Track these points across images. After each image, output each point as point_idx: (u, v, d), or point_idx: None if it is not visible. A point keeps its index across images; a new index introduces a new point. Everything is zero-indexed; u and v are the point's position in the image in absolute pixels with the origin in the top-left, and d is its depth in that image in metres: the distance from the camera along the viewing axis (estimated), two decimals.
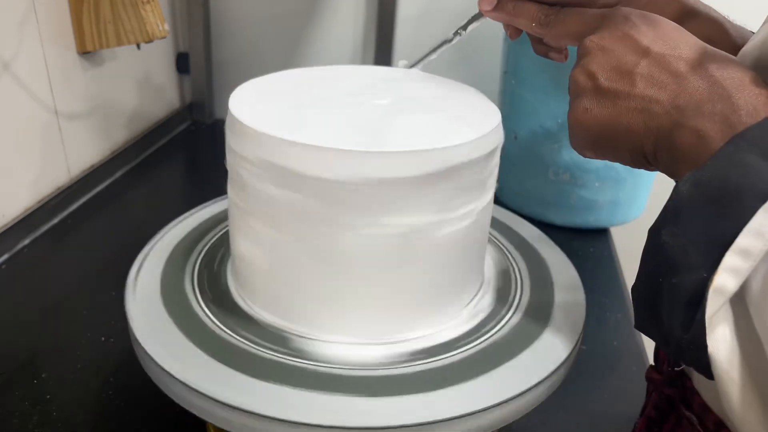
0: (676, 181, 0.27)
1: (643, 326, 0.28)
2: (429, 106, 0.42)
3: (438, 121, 0.39)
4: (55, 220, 0.71)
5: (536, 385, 0.36)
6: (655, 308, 0.27)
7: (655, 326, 0.27)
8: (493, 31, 0.94)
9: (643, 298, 0.28)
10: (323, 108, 0.40)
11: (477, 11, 0.41)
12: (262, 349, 0.38)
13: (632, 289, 0.28)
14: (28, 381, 0.48)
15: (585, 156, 0.33)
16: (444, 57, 1.04)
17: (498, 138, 0.39)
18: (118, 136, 0.86)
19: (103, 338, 0.53)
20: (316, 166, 0.35)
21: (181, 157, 0.95)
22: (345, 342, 0.39)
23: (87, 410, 0.46)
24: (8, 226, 0.64)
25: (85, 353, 0.51)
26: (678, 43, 0.30)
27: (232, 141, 0.38)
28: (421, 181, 0.35)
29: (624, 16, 0.31)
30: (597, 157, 0.33)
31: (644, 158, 0.30)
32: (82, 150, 0.77)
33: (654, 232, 0.27)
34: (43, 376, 0.49)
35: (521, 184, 0.76)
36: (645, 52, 0.30)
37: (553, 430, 0.48)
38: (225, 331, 0.39)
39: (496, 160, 0.40)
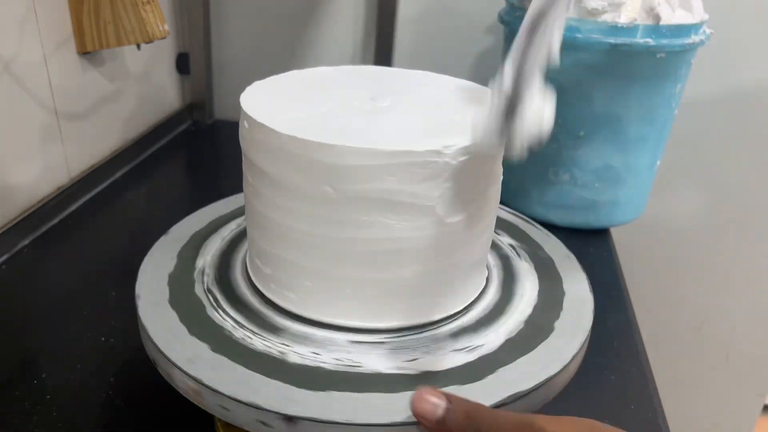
0: None
1: None
2: (440, 103, 0.42)
3: (453, 117, 0.40)
4: (55, 220, 0.71)
5: (537, 389, 0.36)
6: None
7: None
8: (493, 31, 0.94)
9: None
10: (338, 108, 0.40)
11: None
12: (277, 344, 0.38)
13: None
14: (28, 381, 0.48)
15: None
16: (444, 57, 1.04)
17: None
18: (118, 136, 0.86)
19: (103, 338, 0.53)
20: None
21: (181, 157, 0.95)
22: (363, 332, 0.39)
23: (87, 410, 0.46)
24: (8, 226, 0.64)
25: (85, 353, 0.51)
26: None
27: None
28: (439, 175, 0.36)
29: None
30: None
31: None
32: (82, 150, 0.77)
33: None
34: (43, 376, 0.49)
35: (521, 184, 0.76)
36: None
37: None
38: (240, 328, 0.39)
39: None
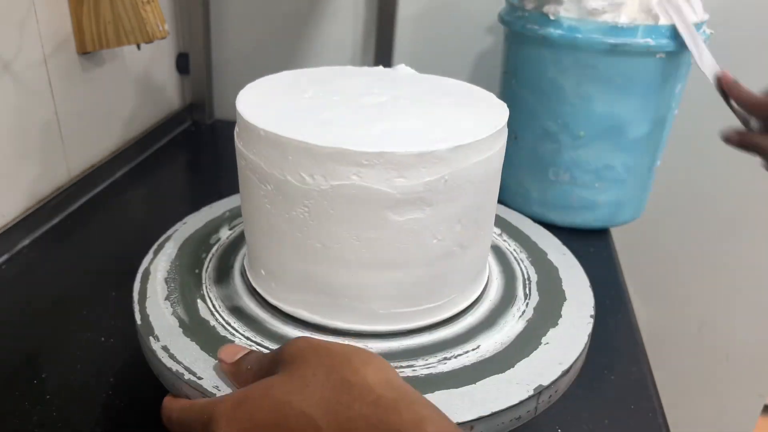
0: None
1: None
2: (440, 104, 0.42)
3: (450, 118, 0.40)
4: (55, 220, 0.71)
5: (541, 392, 0.36)
6: None
7: None
8: (493, 31, 0.94)
9: None
10: (336, 108, 0.40)
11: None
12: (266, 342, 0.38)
13: None
14: (28, 381, 0.48)
15: None
16: (444, 57, 1.04)
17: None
18: (118, 136, 0.86)
19: (103, 338, 0.53)
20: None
21: (181, 157, 0.95)
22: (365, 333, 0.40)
23: (87, 410, 0.46)
24: (8, 226, 0.64)
25: (85, 353, 0.51)
26: None
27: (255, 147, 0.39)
28: (435, 178, 0.36)
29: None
30: None
31: None
32: (82, 150, 0.77)
33: None
34: (43, 376, 0.49)
35: (521, 184, 0.76)
36: None
37: (550, 430, 0.47)
38: (233, 332, 0.39)
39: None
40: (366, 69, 0.49)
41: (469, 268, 0.41)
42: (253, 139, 0.37)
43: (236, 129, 0.40)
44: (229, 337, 0.39)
